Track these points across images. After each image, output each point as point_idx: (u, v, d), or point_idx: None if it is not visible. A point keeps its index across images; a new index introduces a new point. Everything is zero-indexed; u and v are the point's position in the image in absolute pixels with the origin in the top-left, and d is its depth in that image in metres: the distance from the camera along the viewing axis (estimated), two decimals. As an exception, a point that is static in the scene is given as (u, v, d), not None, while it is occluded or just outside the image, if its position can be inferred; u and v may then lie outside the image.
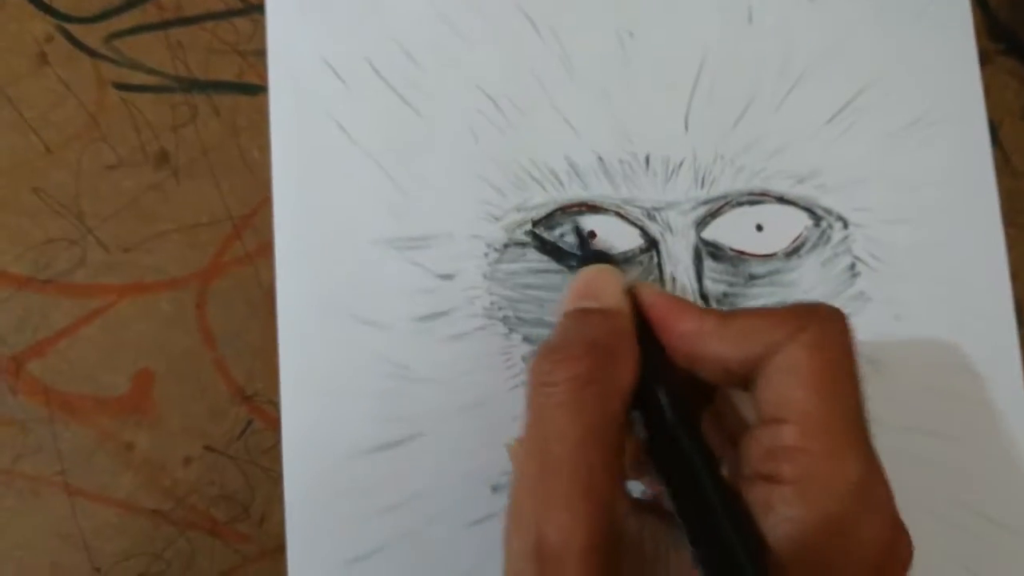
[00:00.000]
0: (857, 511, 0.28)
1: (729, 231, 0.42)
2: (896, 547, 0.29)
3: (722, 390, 0.35)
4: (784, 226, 0.43)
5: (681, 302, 0.33)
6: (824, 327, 0.30)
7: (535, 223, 0.41)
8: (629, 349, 0.31)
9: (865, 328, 0.42)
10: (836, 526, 0.28)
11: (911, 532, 0.30)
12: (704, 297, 0.41)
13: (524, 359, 0.40)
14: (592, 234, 0.41)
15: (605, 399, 0.29)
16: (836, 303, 0.41)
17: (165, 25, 0.40)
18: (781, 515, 0.28)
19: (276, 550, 0.38)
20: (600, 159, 0.42)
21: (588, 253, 0.40)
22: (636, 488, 0.36)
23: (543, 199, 0.41)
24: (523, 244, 0.41)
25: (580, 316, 0.33)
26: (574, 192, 0.41)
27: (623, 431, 0.30)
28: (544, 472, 0.28)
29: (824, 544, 0.28)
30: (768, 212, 0.43)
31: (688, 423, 0.31)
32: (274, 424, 0.38)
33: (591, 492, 0.28)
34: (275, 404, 0.38)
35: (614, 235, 0.41)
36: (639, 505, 0.32)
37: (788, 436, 0.29)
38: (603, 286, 0.34)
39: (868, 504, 0.29)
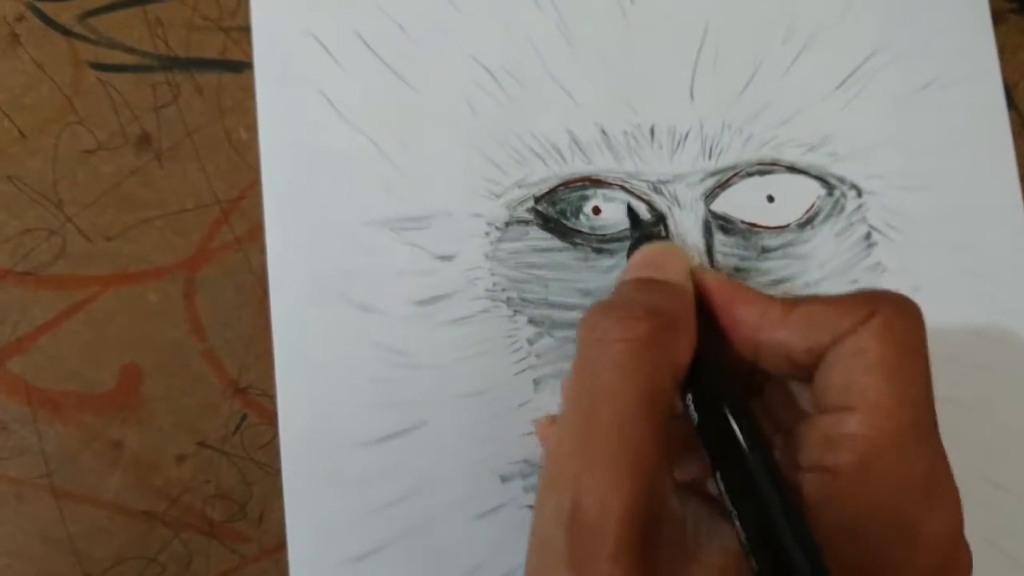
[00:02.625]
0: (922, 508, 0.27)
1: (739, 203, 0.40)
2: (957, 559, 0.28)
3: (773, 384, 0.33)
4: (796, 196, 0.41)
5: (745, 288, 0.31)
6: (896, 314, 0.29)
7: (537, 199, 0.39)
8: (689, 325, 0.30)
9: (884, 300, 0.40)
10: (898, 522, 0.27)
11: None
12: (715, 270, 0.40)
13: (530, 342, 0.38)
14: (596, 210, 0.39)
15: (660, 368, 0.28)
16: (852, 275, 0.40)
17: (143, 1, 0.38)
18: (839, 508, 0.27)
19: (276, 549, 0.36)
20: (603, 131, 0.40)
21: (642, 234, 0.38)
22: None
23: (545, 174, 0.39)
24: (525, 222, 0.39)
25: (644, 283, 0.32)
26: (577, 166, 0.40)
27: (673, 407, 0.29)
28: (589, 432, 0.27)
29: (884, 541, 0.27)
30: (779, 182, 0.41)
31: (743, 407, 0.29)
32: (270, 417, 0.36)
33: (638, 460, 0.26)
34: (271, 396, 0.36)
35: (620, 210, 0.39)
36: (682, 486, 0.31)
37: (851, 424, 0.27)
38: (669, 261, 0.33)
39: (934, 501, 0.27)
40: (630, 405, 0.27)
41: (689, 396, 0.30)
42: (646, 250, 0.34)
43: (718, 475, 0.28)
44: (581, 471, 0.26)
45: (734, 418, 0.29)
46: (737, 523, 0.27)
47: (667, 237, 0.39)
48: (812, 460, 0.28)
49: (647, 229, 0.39)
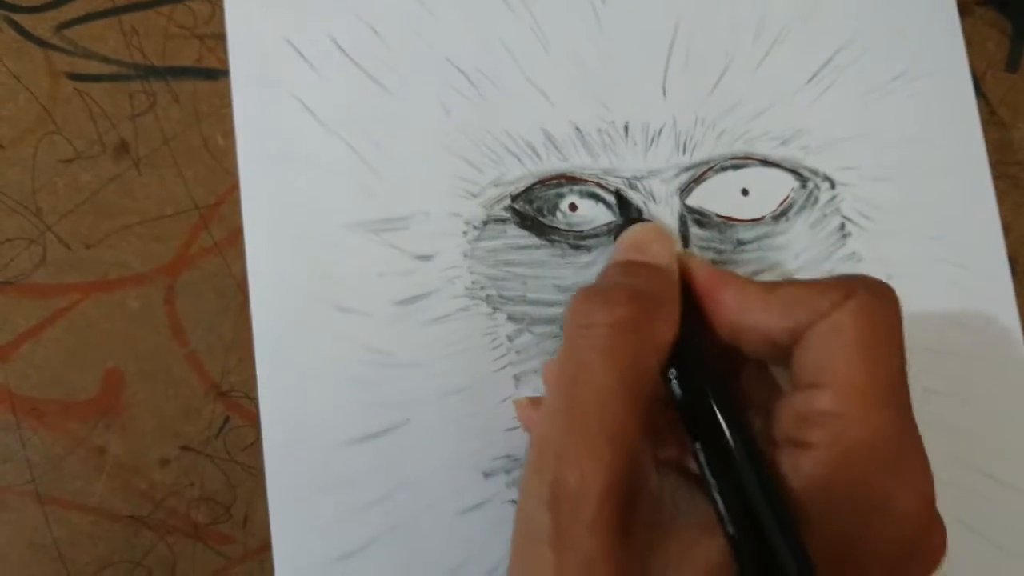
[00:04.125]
0: (891, 484, 0.28)
1: (714, 197, 0.41)
2: (931, 533, 0.28)
3: (751, 366, 0.34)
4: (770, 189, 0.42)
5: (727, 273, 0.32)
6: (872, 295, 0.29)
7: (514, 198, 0.39)
8: (672, 306, 0.31)
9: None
10: (870, 496, 0.27)
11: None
12: (692, 266, 0.40)
13: (510, 339, 0.38)
14: (573, 207, 0.39)
15: (642, 349, 0.29)
16: (828, 265, 0.41)
17: (118, 11, 0.38)
18: (812, 482, 0.27)
19: (261, 550, 0.36)
20: (577, 129, 0.40)
21: (629, 218, 0.39)
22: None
23: (521, 173, 0.40)
24: (503, 220, 0.39)
25: (627, 266, 0.33)
26: (552, 164, 0.40)
27: (656, 387, 0.29)
28: (571, 414, 0.28)
29: (857, 515, 0.27)
30: (753, 175, 0.41)
31: (723, 386, 0.30)
32: (253, 419, 0.36)
33: (616, 439, 0.27)
34: (253, 399, 0.37)
35: (596, 207, 0.40)
36: (663, 462, 0.31)
37: (823, 401, 0.28)
38: (654, 242, 0.33)
39: (904, 477, 0.28)
40: (611, 387, 0.28)
41: (671, 373, 0.30)
42: (632, 231, 0.34)
43: (697, 446, 0.29)
44: (563, 449, 0.27)
45: (714, 395, 0.29)
46: (716, 494, 0.28)
47: (651, 221, 0.39)
48: (786, 436, 0.29)
49: (634, 213, 0.39)
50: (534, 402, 0.36)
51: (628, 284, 0.31)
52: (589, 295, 0.30)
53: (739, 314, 0.31)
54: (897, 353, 0.29)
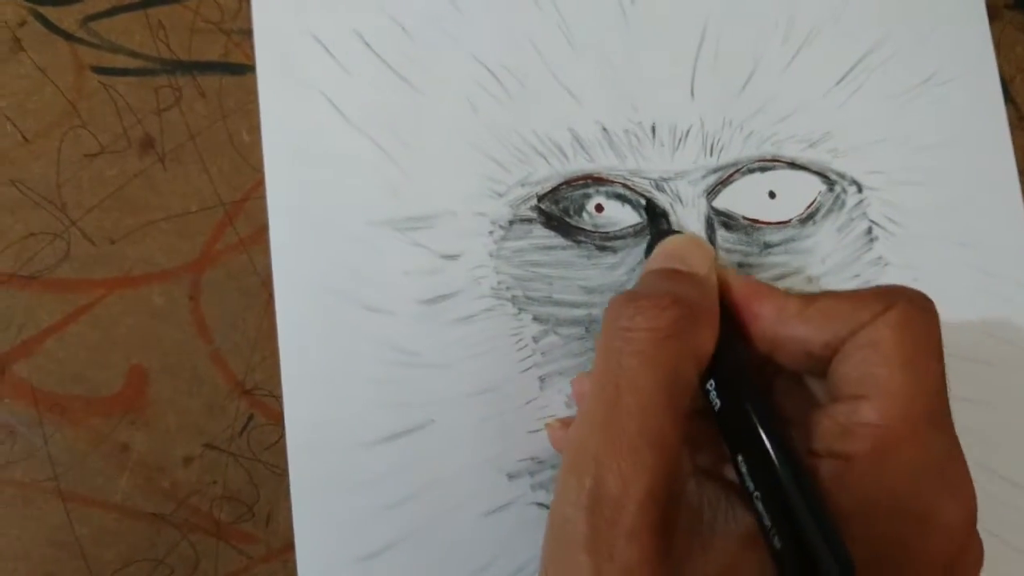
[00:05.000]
0: (937, 495, 0.27)
1: (741, 199, 0.41)
2: (971, 546, 0.28)
3: (784, 377, 0.34)
4: (797, 192, 0.41)
5: (765, 285, 0.32)
6: (912, 307, 0.29)
7: (540, 198, 0.39)
8: (712, 316, 0.30)
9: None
10: (914, 510, 0.27)
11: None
12: (718, 268, 0.40)
13: (535, 340, 0.38)
14: (599, 208, 0.39)
15: (683, 357, 0.29)
16: (854, 269, 0.40)
17: (144, 5, 0.38)
18: (854, 494, 0.27)
19: (284, 550, 0.36)
20: (604, 129, 0.40)
21: (660, 227, 0.39)
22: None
23: (547, 173, 0.39)
24: (529, 220, 0.39)
25: (669, 274, 0.32)
26: (579, 164, 0.40)
27: (693, 396, 0.29)
28: (612, 418, 0.27)
29: (899, 529, 0.27)
30: (780, 178, 0.41)
31: (762, 395, 0.30)
32: (277, 418, 0.36)
33: (658, 445, 0.27)
34: (277, 397, 0.36)
35: (623, 208, 0.39)
36: (701, 471, 0.31)
37: (866, 412, 0.28)
38: (693, 253, 0.33)
39: (948, 489, 0.28)
40: (653, 392, 0.28)
41: (710, 384, 0.30)
42: (671, 242, 0.34)
43: (739, 458, 0.29)
44: (603, 453, 0.27)
45: (753, 405, 0.29)
46: (759, 504, 0.28)
47: (682, 232, 0.39)
48: (826, 447, 0.28)
49: (666, 223, 0.39)
50: (565, 423, 0.36)
51: (670, 291, 0.31)
52: (631, 299, 0.30)
53: (777, 326, 0.31)
54: (938, 364, 0.29)
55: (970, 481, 0.28)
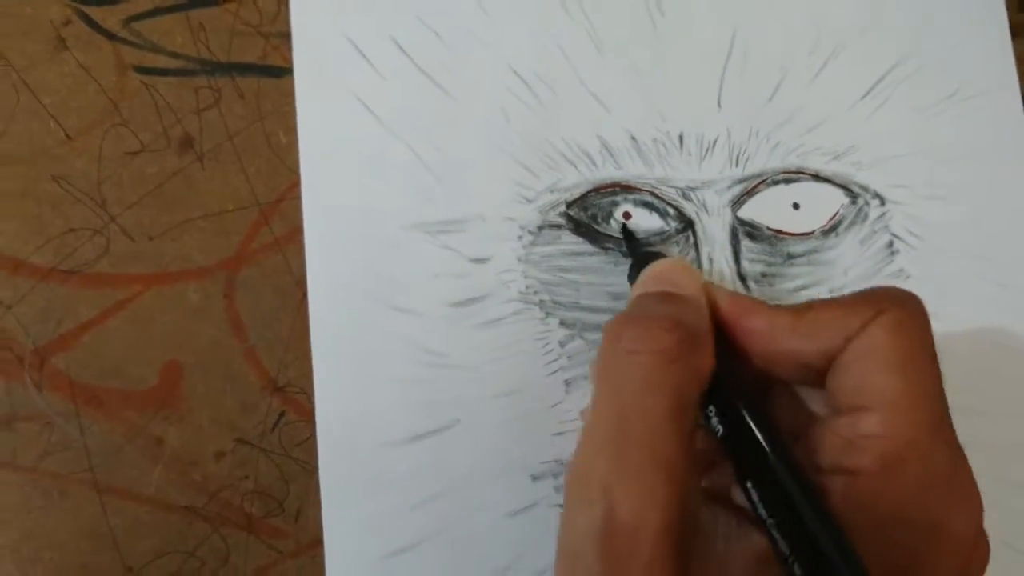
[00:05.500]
0: (946, 504, 0.27)
1: (765, 210, 0.41)
2: (980, 547, 0.28)
3: (779, 389, 0.33)
4: (821, 204, 0.42)
5: (753, 300, 0.32)
6: (903, 310, 0.29)
7: (569, 204, 0.40)
8: (708, 336, 0.30)
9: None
10: (924, 521, 0.27)
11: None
12: (742, 277, 0.40)
13: (561, 344, 0.39)
14: (627, 215, 0.40)
15: (686, 379, 0.28)
16: (875, 281, 0.41)
17: (185, 7, 0.39)
18: (864, 509, 0.27)
19: (313, 545, 0.36)
20: (633, 138, 0.41)
21: (640, 253, 0.38)
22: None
23: (576, 180, 0.40)
24: (557, 226, 0.40)
25: (664, 297, 0.32)
26: (607, 172, 0.40)
27: (696, 420, 0.29)
28: (619, 445, 0.27)
29: (911, 540, 0.27)
30: (804, 190, 0.42)
31: (765, 416, 0.30)
32: (308, 415, 0.37)
33: (670, 473, 0.26)
34: (308, 395, 0.37)
35: (650, 216, 0.40)
36: (711, 496, 0.31)
37: (870, 424, 0.28)
38: (683, 276, 0.33)
39: (956, 498, 0.27)
40: (660, 418, 0.27)
41: (710, 410, 0.30)
42: (659, 265, 0.34)
43: (749, 485, 0.29)
44: (612, 482, 0.26)
45: (758, 428, 0.29)
46: (774, 531, 0.27)
47: (663, 254, 0.39)
48: (832, 463, 0.28)
49: (643, 247, 0.39)
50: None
51: (670, 313, 0.30)
52: (632, 320, 0.30)
53: (769, 341, 0.30)
54: (934, 366, 0.29)
55: (976, 488, 0.28)
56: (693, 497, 0.28)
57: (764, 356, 0.31)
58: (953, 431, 0.28)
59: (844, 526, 0.27)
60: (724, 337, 0.31)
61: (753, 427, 0.29)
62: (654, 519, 0.25)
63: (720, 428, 0.30)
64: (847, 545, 0.26)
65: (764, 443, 0.29)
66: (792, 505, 0.27)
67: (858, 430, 0.28)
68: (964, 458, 0.28)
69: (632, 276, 0.36)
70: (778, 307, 0.31)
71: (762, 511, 0.28)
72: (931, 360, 0.29)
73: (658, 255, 0.37)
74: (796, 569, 0.27)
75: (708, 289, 0.32)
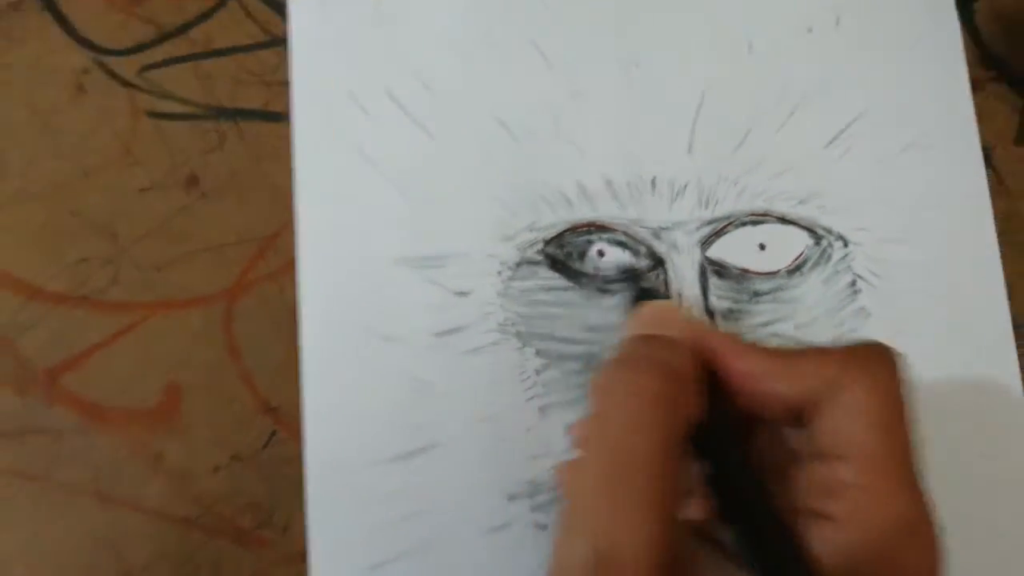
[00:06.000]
0: (908, 547, 0.29)
1: (733, 249, 0.44)
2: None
3: (762, 430, 0.34)
4: (786, 245, 0.44)
5: (741, 343, 0.33)
6: (881, 366, 0.31)
7: (546, 242, 0.42)
8: (695, 379, 0.31)
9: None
10: (888, 561, 0.29)
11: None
12: (710, 312, 0.43)
13: (537, 372, 0.41)
14: (601, 253, 0.42)
15: (672, 419, 0.29)
16: (838, 318, 0.43)
17: (195, 57, 0.42)
18: (835, 550, 0.29)
19: (299, 556, 0.39)
20: (608, 182, 0.43)
21: (640, 289, 0.41)
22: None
23: (554, 219, 0.43)
24: (535, 262, 0.42)
25: (650, 340, 0.33)
26: (583, 213, 0.43)
27: (682, 459, 0.30)
28: (612, 485, 0.28)
29: (875, 573, 0.29)
30: (770, 231, 0.44)
31: (745, 462, 0.32)
32: (297, 435, 0.39)
33: (659, 510, 0.27)
34: (298, 415, 0.39)
35: (623, 254, 0.43)
36: (695, 531, 0.32)
37: (845, 473, 0.29)
38: (668, 318, 0.34)
39: (917, 540, 0.29)
40: (651, 457, 0.28)
41: (697, 447, 0.31)
42: (647, 307, 0.35)
43: (737, 530, 0.30)
44: (607, 523, 0.27)
45: (743, 474, 0.31)
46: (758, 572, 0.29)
47: (666, 295, 0.42)
48: (808, 506, 0.30)
49: (644, 284, 0.42)
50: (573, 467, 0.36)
51: (656, 355, 0.31)
52: (621, 364, 0.31)
53: (755, 382, 0.32)
54: (906, 423, 0.30)
55: (937, 534, 0.30)
56: (680, 532, 0.29)
57: (750, 396, 0.32)
58: (919, 479, 0.30)
59: (818, 565, 0.29)
60: (711, 376, 0.32)
61: (740, 473, 0.31)
62: (643, 556, 0.26)
63: (708, 469, 0.31)
64: None
65: (750, 490, 0.31)
66: (779, 558, 0.29)
67: (835, 477, 0.30)
68: (927, 507, 0.30)
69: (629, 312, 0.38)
70: (765, 349, 0.32)
71: (748, 557, 0.30)
72: (904, 418, 0.30)
73: (653, 294, 0.39)
74: None
75: (699, 329, 0.34)
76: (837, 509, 0.29)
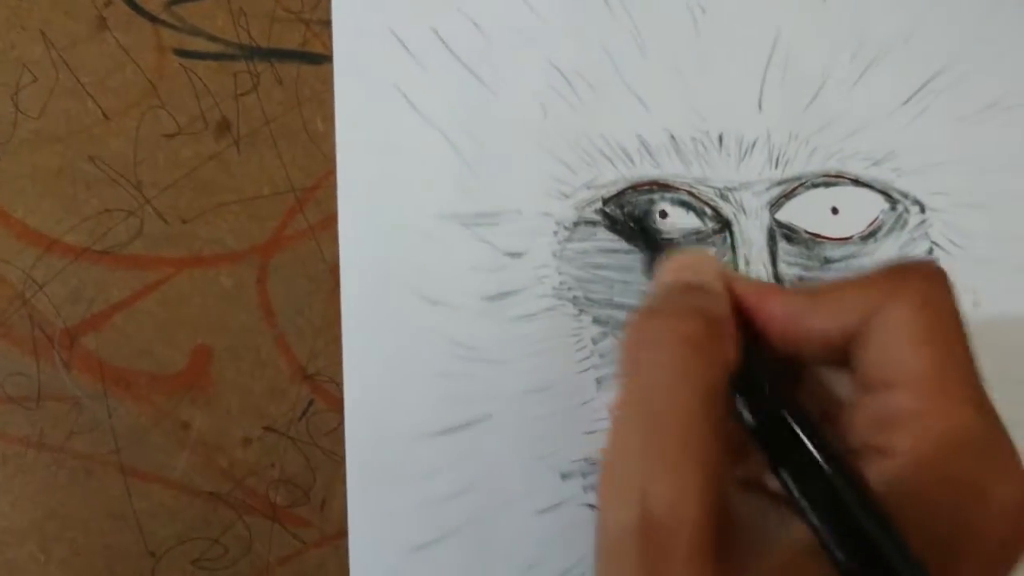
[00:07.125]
0: (986, 476, 0.26)
1: (804, 213, 0.41)
2: None
3: (808, 372, 0.33)
4: (860, 209, 0.41)
5: (771, 285, 0.32)
6: (927, 282, 0.28)
7: (605, 201, 0.39)
8: (730, 323, 0.29)
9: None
10: (963, 494, 0.26)
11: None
12: (778, 280, 0.40)
13: (594, 341, 0.38)
14: (664, 214, 0.39)
15: (713, 368, 0.27)
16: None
17: (227, -9, 0.39)
18: (902, 486, 0.26)
19: (337, 536, 0.36)
20: (672, 137, 0.40)
21: (657, 242, 0.39)
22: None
23: (613, 177, 0.40)
24: (593, 223, 0.39)
25: (685, 287, 0.31)
26: (645, 170, 0.40)
27: (725, 408, 0.28)
28: (650, 437, 0.26)
29: (951, 516, 0.26)
30: (843, 194, 0.41)
31: (795, 402, 0.29)
32: (336, 405, 0.37)
33: (704, 462, 0.26)
34: (338, 384, 0.37)
35: (687, 215, 0.40)
36: (743, 483, 0.30)
37: (900, 400, 0.27)
38: (703, 265, 0.32)
39: (997, 466, 0.26)
40: (691, 408, 0.26)
41: (739, 396, 0.29)
42: (679, 256, 0.33)
43: (785, 474, 0.28)
44: (647, 478, 0.26)
45: (790, 414, 0.28)
46: (814, 518, 0.27)
47: (679, 244, 0.40)
48: (866, 443, 0.28)
49: (659, 238, 0.39)
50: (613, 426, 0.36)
51: (692, 302, 0.30)
52: (654, 312, 0.29)
53: (791, 323, 0.30)
54: (962, 338, 0.28)
55: (1018, 457, 0.27)
56: (726, 486, 0.28)
57: (787, 339, 0.30)
58: (988, 400, 0.27)
59: (884, 504, 0.26)
60: (747, 322, 0.31)
61: (785, 414, 0.29)
62: (691, 513, 0.25)
63: (749, 417, 0.29)
64: (891, 529, 0.26)
65: (797, 429, 0.28)
66: (833, 493, 0.27)
67: (889, 407, 0.27)
68: (1003, 427, 0.27)
69: (648, 269, 0.37)
70: (796, 289, 0.31)
71: (800, 499, 0.27)
72: (959, 333, 0.28)
73: (674, 246, 0.37)
74: (839, 555, 0.26)
75: (733, 276, 0.32)
76: (897, 441, 0.27)
